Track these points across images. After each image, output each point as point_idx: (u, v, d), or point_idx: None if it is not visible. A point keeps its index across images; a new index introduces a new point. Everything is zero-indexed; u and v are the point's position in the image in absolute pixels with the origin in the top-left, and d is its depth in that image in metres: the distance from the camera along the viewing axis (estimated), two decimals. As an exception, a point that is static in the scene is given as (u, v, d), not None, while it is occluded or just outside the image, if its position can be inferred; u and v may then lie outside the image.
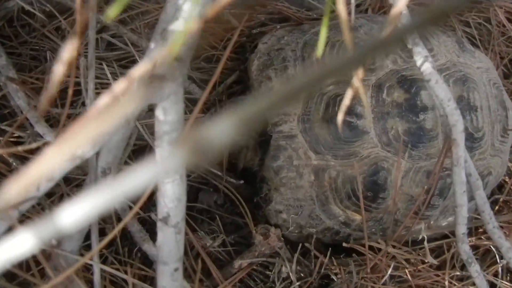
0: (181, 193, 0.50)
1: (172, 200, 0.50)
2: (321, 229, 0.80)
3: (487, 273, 0.87)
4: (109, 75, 0.75)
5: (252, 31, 0.90)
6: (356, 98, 0.75)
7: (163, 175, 0.49)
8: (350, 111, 0.74)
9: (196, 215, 0.83)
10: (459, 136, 0.53)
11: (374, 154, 0.74)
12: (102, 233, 0.78)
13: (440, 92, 0.52)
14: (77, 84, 0.73)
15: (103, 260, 0.73)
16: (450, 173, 0.78)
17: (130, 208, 0.67)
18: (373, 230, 0.81)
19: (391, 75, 0.76)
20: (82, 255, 0.55)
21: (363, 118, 0.74)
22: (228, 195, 0.83)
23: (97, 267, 0.51)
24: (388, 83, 0.76)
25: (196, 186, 0.84)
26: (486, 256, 0.95)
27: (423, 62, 0.52)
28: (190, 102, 0.82)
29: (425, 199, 0.77)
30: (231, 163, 0.88)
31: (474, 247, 0.90)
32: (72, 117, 0.69)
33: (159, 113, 0.46)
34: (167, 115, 0.46)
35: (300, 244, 0.80)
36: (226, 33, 0.88)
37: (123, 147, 0.57)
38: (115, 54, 0.84)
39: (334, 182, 0.75)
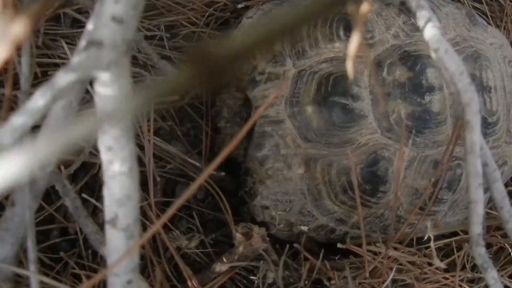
0: (132, 189, 0.40)
1: (120, 198, 0.40)
2: (314, 227, 0.71)
3: (502, 275, 0.77)
4: (69, 55, 0.66)
5: (237, 5, 0.81)
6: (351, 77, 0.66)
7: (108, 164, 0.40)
8: (345, 92, 0.64)
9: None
10: (473, 117, 0.43)
11: (373, 141, 0.65)
12: (65, 233, 0.69)
13: (451, 64, 0.42)
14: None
15: (64, 264, 0.64)
16: (460, 163, 0.68)
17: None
18: (373, 227, 0.71)
19: (392, 51, 0.67)
20: (21, 263, 0.46)
21: (360, 100, 0.64)
22: (209, 189, 0.73)
23: (34, 279, 0.42)
24: (389, 60, 0.66)
25: (173, 179, 0.75)
26: (499, 255, 0.86)
27: (429, 28, 0.43)
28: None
29: (432, 193, 0.68)
30: (213, 152, 0.78)
31: (487, 246, 0.80)
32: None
33: (98, 87, 0.37)
34: (108, 90, 0.37)
35: (288, 245, 0.70)
36: (207, 7, 0.78)
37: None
38: (80, 31, 0.74)
39: (327, 174, 0.66)
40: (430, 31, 0.43)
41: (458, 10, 0.73)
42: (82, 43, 0.36)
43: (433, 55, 0.44)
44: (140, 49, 0.66)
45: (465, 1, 0.96)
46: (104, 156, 0.38)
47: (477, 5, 0.99)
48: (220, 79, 0.22)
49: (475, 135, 0.44)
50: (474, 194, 0.48)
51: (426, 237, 0.61)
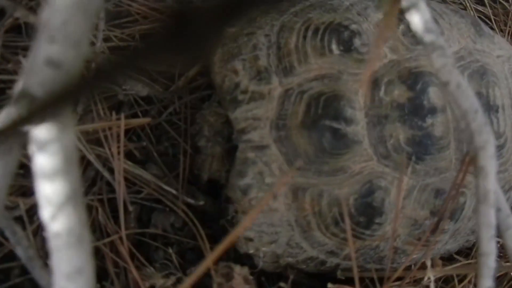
0: (83, 260, 0.33)
1: (69, 273, 0.33)
2: (302, 259, 0.64)
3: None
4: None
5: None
6: (344, 97, 0.59)
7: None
8: (337, 115, 0.57)
9: (148, 241, 0.67)
10: (489, 162, 0.37)
11: (368, 169, 0.58)
12: (27, 271, 0.62)
13: (464, 101, 0.35)
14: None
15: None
16: (464, 191, 0.62)
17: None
18: (367, 259, 0.65)
19: (390, 68, 0.60)
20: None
21: (354, 124, 0.57)
22: (188, 214, 0.67)
23: None
24: (386, 77, 0.59)
25: (149, 206, 0.68)
26: (502, 279, 0.80)
27: (438, 57, 0.36)
28: (136, 103, 0.65)
29: (434, 224, 0.61)
30: (193, 174, 0.71)
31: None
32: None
33: (34, 149, 0.30)
34: (46, 154, 0.30)
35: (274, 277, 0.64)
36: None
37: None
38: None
39: (317, 205, 0.59)
40: (440, 61, 0.36)
41: (462, 19, 0.66)
42: (14, 93, 0.29)
43: (442, 88, 0.37)
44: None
45: (468, 5, 0.89)
46: (48, 226, 0.31)
47: (480, 8, 0.92)
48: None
49: (489, 183, 0.38)
50: (485, 247, 0.41)
51: (426, 279, 0.55)
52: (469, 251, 0.80)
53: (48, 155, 0.29)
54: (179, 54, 0.20)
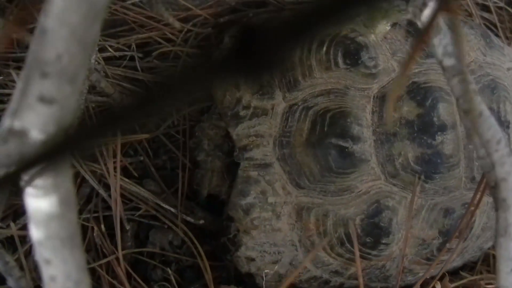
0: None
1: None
2: (306, 279, 0.62)
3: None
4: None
5: (219, 19, 0.71)
6: (351, 114, 0.56)
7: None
8: (343, 133, 0.55)
9: (146, 260, 0.64)
10: (511, 195, 0.35)
11: (375, 189, 0.56)
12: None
13: (486, 130, 0.33)
14: None
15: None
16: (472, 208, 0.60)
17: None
18: (372, 278, 0.63)
19: (398, 83, 0.57)
20: None
21: (361, 142, 0.55)
22: (187, 233, 0.64)
23: None
24: (391, 92, 0.57)
25: (146, 223, 0.65)
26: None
27: (459, 83, 0.33)
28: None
29: (440, 244, 0.59)
30: (192, 189, 0.69)
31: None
32: None
33: (27, 195, 0.28)
34: (40, 199, 0.27)
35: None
36: (185, 22, 0.68)
37: None
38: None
39: (322, 225, 0.57)
40: (460, 87, 0.34)
41: (472, 31, 0.64)
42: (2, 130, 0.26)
43: (462, 117, 0.35)
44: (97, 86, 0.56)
45: (473, 12, 0.86)
46: (44, 270, 0.29)
47: (485, 15, 0.90)
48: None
49: (511, 217, 0.36)
50: (504, 280, 0.39)
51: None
52: (474, 265, 0.78)
53: (43, 200, 0.26)
54: (245, 75, 0.17)
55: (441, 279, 0.64)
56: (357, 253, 0.52)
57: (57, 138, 0.26)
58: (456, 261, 0.67)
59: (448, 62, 0.35)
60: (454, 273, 0.75)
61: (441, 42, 0.34)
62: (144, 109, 0.20)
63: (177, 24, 0.53)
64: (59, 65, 0.25)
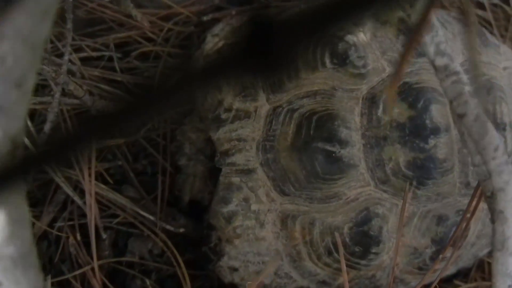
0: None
1: None
2: (292, 289, 0.59)
3: None
4: None
5: (202, 17, 0.67)
6: (338, 116, 0.53)
7: None
8: (331, 136, 0.52)
9: (125, 269, 0.61)
10: (508, 207, 0.32)
11: (364, 195, 0.53)
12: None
13: (482, 136, 0.30)
14: None
15: None
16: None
17: None
18: (362, 288, 0.60)
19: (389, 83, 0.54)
20: None
21: (349, 146, 0.52)
22: (167, 243, 0.61)
23: None
24: (385, 94, 0.54)
25: (125, 231, 0.62)
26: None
27: (453, 84, 0.30)
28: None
29: (433, 252, 0.56)
30: (173, 195, 0.66)
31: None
32: None
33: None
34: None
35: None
36: (166, 20, 0.65)
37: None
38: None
39: (308, 234, 0.54)
40: (454, 89, 0.31)
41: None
42: None
43: (457, 121, 0.32)
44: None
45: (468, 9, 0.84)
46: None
47: (479, 12, 0.87)
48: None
49: (509, 230, 0.33)
50: (500, 298, 0.36)
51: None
52: (468, 272, 0.75)
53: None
54: (256, 73, 0.15)
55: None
56: (344, 266, 0.49)
57: (5, 160, 0.23)
58: (449, 269, 0.64)
59: (441, 61, 0.32)
60: (447, 281, 0.72)
61: (433, 40, 0.31)
62: (126, 117, 0.18)
63: (146, 22, 0.50)
64: (2, 68, 0.22)
